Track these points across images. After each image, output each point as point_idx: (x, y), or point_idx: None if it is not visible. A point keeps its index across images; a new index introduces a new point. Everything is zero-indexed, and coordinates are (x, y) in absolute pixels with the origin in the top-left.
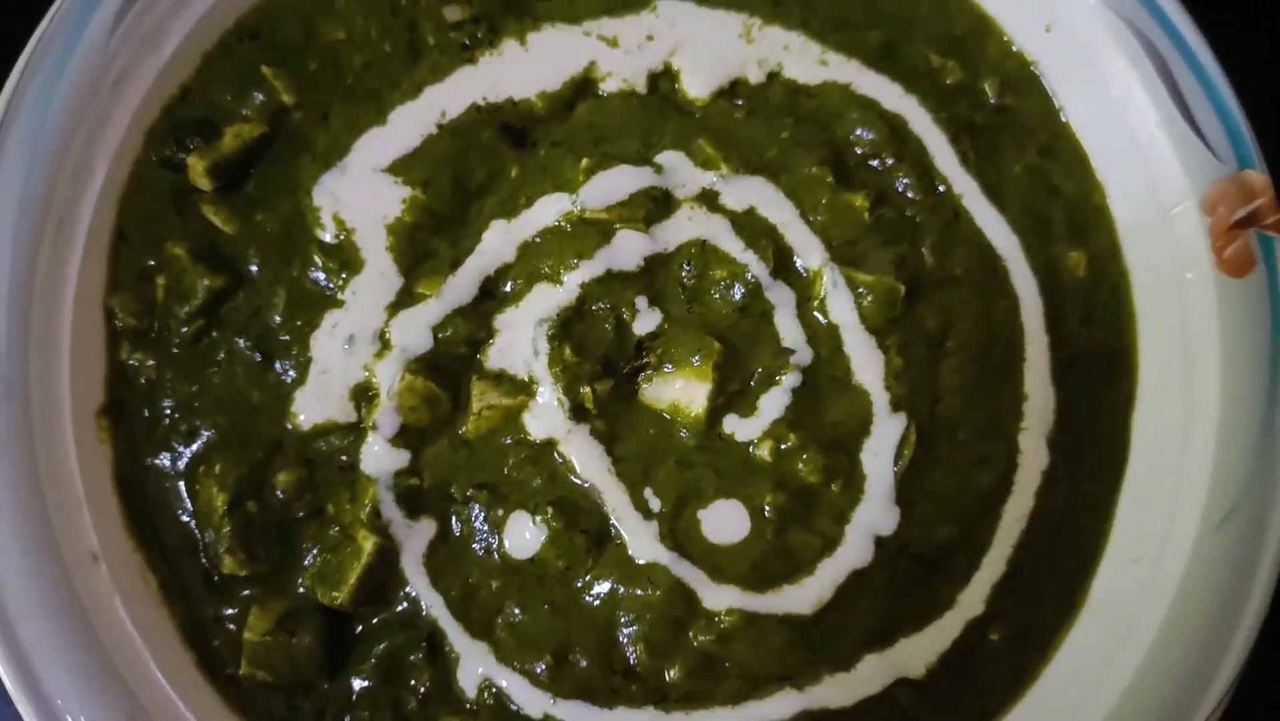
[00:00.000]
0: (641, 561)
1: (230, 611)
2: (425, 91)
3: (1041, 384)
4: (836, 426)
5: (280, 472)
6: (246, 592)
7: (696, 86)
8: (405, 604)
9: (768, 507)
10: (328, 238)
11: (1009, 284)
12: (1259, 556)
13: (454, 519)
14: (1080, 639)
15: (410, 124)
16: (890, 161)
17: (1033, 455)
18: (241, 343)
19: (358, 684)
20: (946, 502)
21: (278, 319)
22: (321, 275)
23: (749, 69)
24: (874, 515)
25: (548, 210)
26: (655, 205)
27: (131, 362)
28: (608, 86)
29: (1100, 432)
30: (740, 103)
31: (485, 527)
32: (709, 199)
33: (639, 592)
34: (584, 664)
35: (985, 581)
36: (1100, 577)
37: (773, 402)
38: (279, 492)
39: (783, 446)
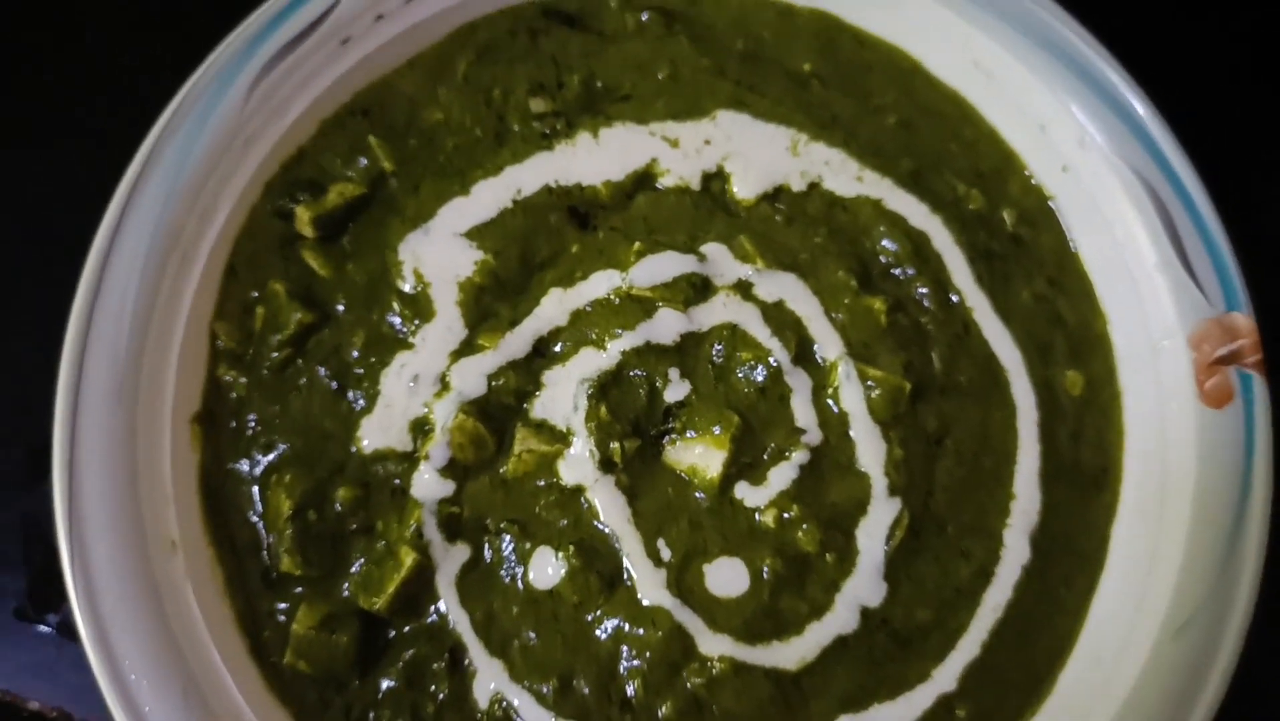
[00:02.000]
0: (647, 604)
1: (282, 606)
2: (506, 170)
3: (1029, 487)
4: (836, 505)
5: (340, 488)
6: (298, 591)
7: (744, 189)
8: (434, 617)
9: (766, 569)
10: (407, 288)
11: (1008, 395)
12: (1210, 666)
13: (486, 547)
14: None
15: (489, 197)
16: (911, 272)
17: (1015, 550)
18: (321, 372)
19: (384, 684)
20: (928, 588)
21: (355, 354)
22: (398, 320)
23: (792, 179)
24: (862, 587)
25: (600, 284)
26: (695, 290)
27: (226, 379)
28: (665, 182)
29: (1079, 539)
30: (781, 208)
31: (513, 558)
32: (744, 289)
33: (642, 632)
34: (586, 691)
35: (959, 661)
36: (1066, 672)
37: (781, 476)
38: (337, 506)
39: (786, 516)
